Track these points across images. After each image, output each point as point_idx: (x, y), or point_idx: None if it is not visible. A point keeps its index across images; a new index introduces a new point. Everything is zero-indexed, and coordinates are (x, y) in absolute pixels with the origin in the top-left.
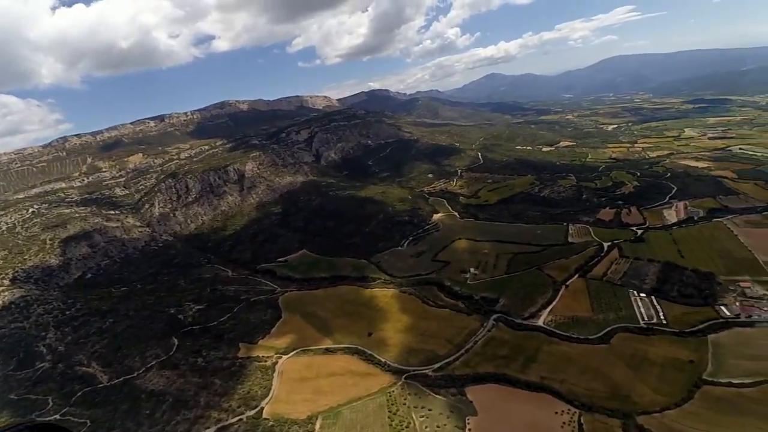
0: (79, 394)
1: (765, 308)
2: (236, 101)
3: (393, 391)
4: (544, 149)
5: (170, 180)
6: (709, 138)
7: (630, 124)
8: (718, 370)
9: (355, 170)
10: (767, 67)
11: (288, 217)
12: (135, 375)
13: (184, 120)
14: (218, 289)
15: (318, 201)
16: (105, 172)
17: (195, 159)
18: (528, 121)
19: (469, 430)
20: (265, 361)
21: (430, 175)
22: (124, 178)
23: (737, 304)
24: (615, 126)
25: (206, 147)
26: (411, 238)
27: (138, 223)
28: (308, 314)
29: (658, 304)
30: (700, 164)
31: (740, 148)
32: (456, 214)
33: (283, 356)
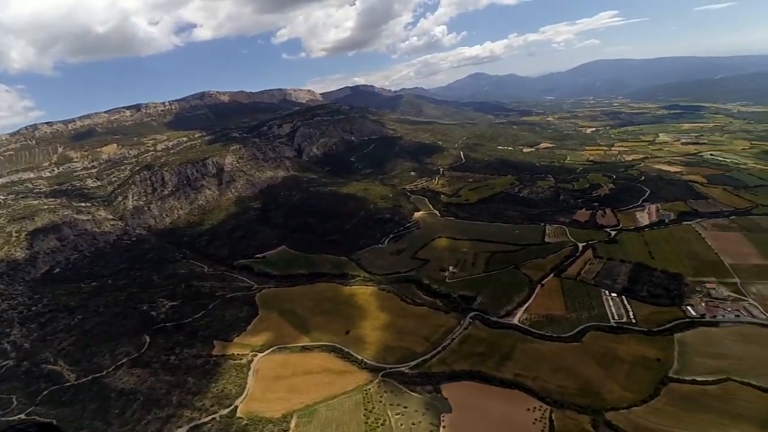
0: (45, 392)
1: (729, 309)
2: (217, 92)
3: (369, 389)
4: (525, 150)
5: (145, 172)
6: (683, 143)
7: (608, 127)
8: (684, 368)
9: (338, 166)
10: (739, 76)
11: (267, 213)
12: (104, 373)
13: (162, 110)
14: (193, 285)
15: (299, 196)
16: (76, 162)
17: (172, 151)
18: (510, 122)
19: (444, 427)
20: (240, 359)
21: (413, 173)
22: (96, 169)
23: (703, 304)
24: (593, 129)
25: (184, 139)
26: (392, 236)
27: (110, 216)
28: (285, 311)
29: (629, 304)
30: (673, 168)
31: (711, 154)
32: (437, 212)
33: (259, 354)
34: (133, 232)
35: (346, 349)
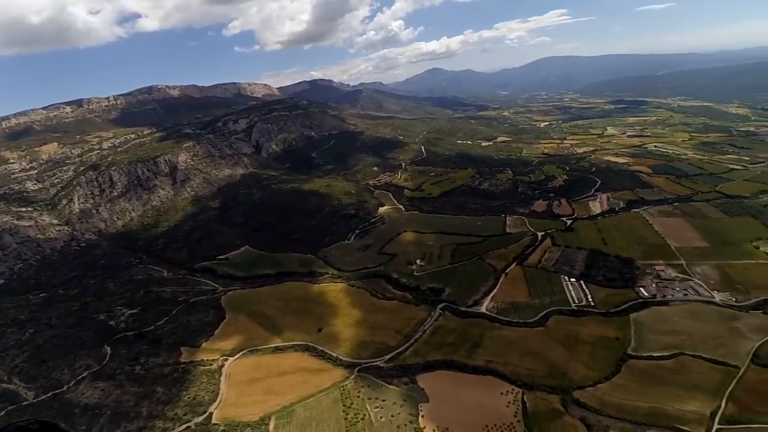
0: (2, 413)
1: (677, 288)
2: (166, 86)
3: (346, 385)
4: (483, 144)
5: (91, 172)
6: (628, 136)
7: (560, 121)
8: (640, 345)
9: (299, 162)
10: (678, 72)
11: (227, 212)
12: (65, 389)
13: (106, 106)
14: (153, 291)
15: (259, 195)
16: (13, 163)
17: (120, 149)
18: (468, 116)
19: (422, 416)
20: (211, 365)
21: (375, 168)
22: (36, 171)
23: (654, 285)
24: (547, 123)
25: (132, 136)
26: (357, 232)
27: (55, 221)
28: (254, 313)
29: (587, 288)
30: (621, 160)
31: (655, 146)
32: (401, 207)
33: (230, 358)
34: (81, 237)
35: (320, 347)
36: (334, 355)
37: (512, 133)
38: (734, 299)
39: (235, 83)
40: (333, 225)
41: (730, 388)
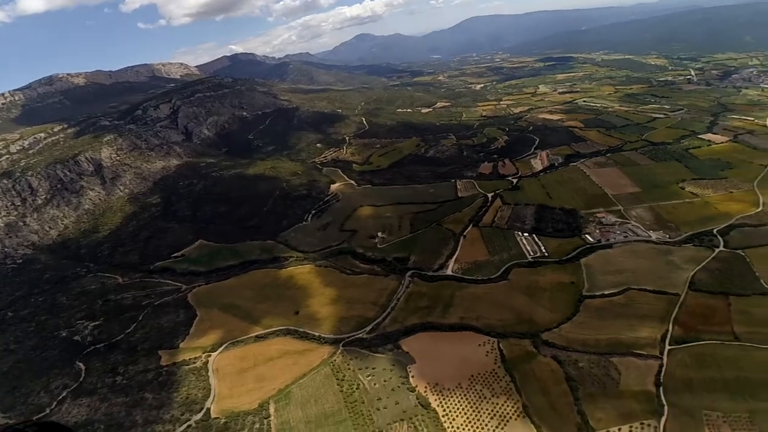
0: None
1: (618, 232)
2: (68, 75)
3: (335, 360)
4: (423, 111)
5: (6, 181)
6: (559, 93)
7: (494, 82)
8: (593, 286)
9: (236, 146)
10: (600, 27)
11: (171, 207)
12: (47, 412)
13: (3, 104)
14: (111, 299)
15: (202, 185)
16: None
17: (31, 151)
18: (404, 84)
19: (412, 377)
20: (195, 363)
21: (319, 145)
22: None
23: (597, 231)
24: (482, 85)
25: (42, 135)
26: (314, 212)
27: None
28: (226, 306)
29: (539, 240)
30: (554, 117)
31: (584, 101)
32: (353, 182)
33: (213, 353)
34: (15, 253)
35: (301, 329)
36: (317, 334)
37: (450, 98)
38: (668, 236)
39: (147, 65)
40: (287, 208)
41: (674, 314)
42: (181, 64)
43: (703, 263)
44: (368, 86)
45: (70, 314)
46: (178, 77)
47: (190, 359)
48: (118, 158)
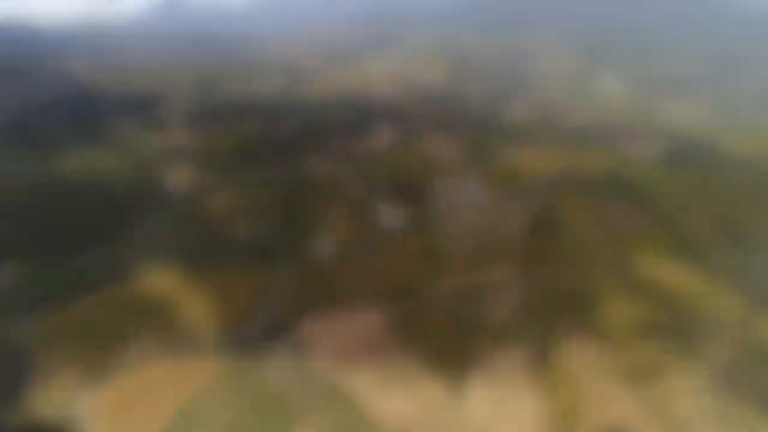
0: None
1: None
2: None
3: (226, 365)
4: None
5: None
6: None
7: None
8: None
9: (29, 141)
10: None
11: None
12: None
13: None
14: None
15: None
16: None
17: None
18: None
19: (313, 359)
20: (68, 406)
21: (141, 131)
22: None
23: None
24: None
25: None
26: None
27: None
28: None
29: None
30: None
31: None
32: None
33: (84, 392)
34: None
35: (178, 344)
36: (198, 343)
37: None
38: None
39: None
40: (120, 219)
41: None
42: None
43: None
44: (193, 58)
45: None
46: None
47: (58, 402)
48: None
